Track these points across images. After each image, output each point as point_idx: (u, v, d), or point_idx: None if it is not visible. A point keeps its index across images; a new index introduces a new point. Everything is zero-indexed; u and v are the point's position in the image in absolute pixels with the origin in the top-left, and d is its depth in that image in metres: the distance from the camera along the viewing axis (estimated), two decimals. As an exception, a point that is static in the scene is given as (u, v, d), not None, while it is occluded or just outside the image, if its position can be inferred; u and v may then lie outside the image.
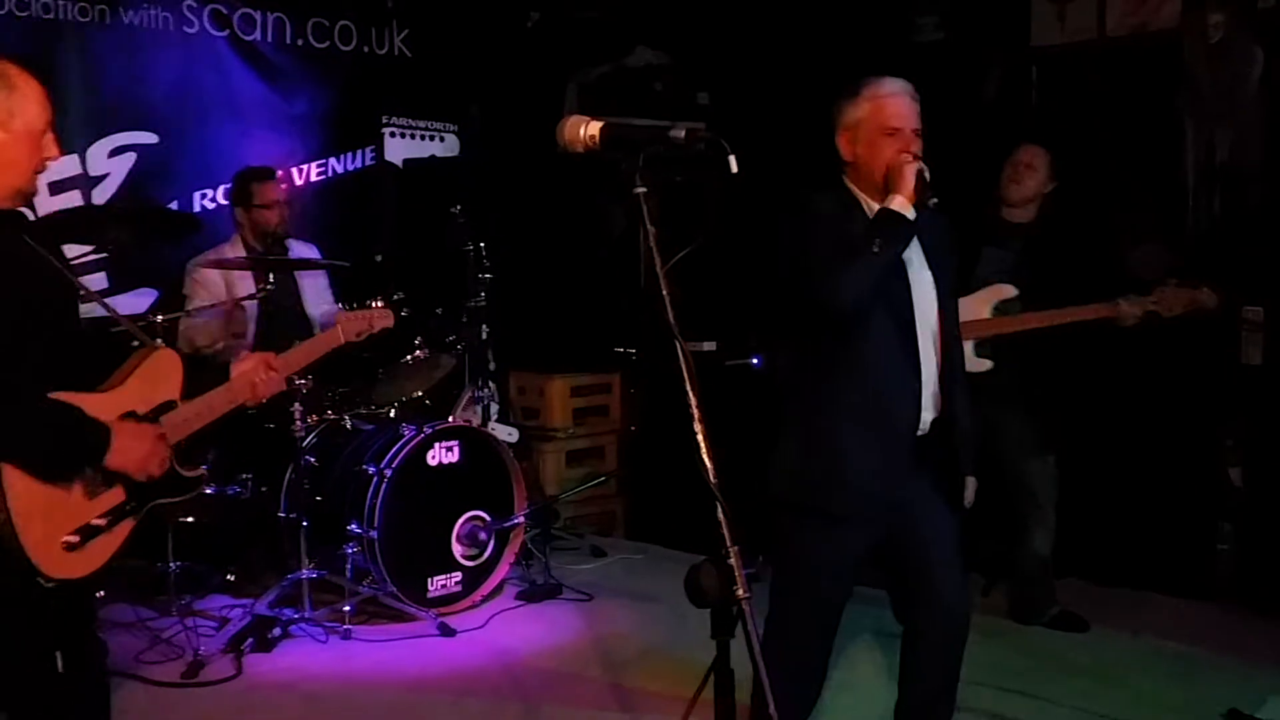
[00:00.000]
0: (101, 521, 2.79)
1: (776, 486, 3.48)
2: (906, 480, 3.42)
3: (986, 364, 4.87)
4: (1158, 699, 4.51)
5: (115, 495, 2.83)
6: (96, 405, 2.77)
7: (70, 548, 2.72)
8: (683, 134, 2.69)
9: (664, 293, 2.38)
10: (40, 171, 2.81)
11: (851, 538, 3.43)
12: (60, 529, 2.70)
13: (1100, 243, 5.18)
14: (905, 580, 3.56)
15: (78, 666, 2.84)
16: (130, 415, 2.86)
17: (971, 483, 3.56)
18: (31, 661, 2.74)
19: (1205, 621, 5.33)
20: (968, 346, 4.58)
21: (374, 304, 4.43)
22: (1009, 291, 4.94)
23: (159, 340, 3.26)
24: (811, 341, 3.45)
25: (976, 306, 4.89)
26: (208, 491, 5.32)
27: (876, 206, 3.37)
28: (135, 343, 3.12)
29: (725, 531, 2.26)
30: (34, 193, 2.86)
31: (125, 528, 2.87)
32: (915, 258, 3.42)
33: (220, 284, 5.71)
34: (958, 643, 3.54)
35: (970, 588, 3.63)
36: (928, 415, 3.41)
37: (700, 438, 2.31)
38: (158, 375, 2.99)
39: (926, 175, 3.28)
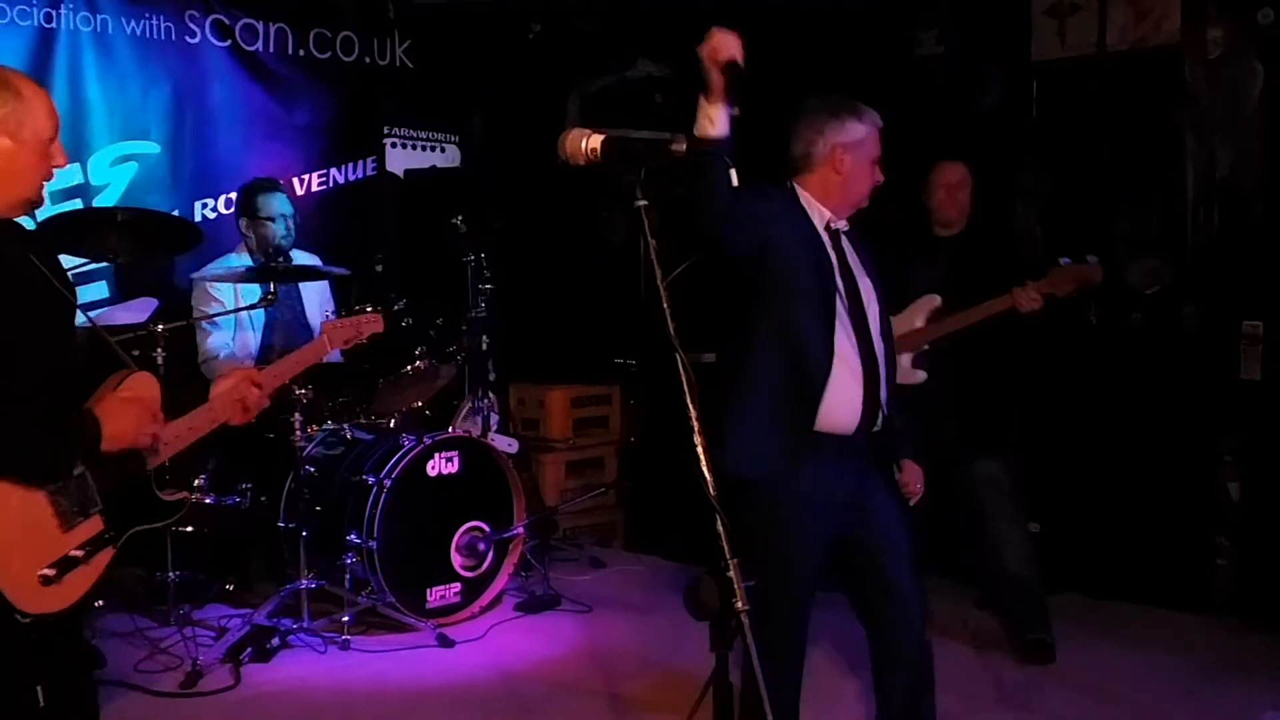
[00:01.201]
0: (79, 553, 2.73)
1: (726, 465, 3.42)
2: (852, 482, 3.52)
3: (921, 375, 4.89)
4: (1156, 714, 4.51)
5: (93, 525, 2.77)
6: None
7: (47, 581, 2.66)
8: (684, 147, 2.70)
9: (665, 305, 2.39)
10: (48, 180, 2.80)
11: (797, 515, 3.45)
12: (37, 562, 2.65)
13: (1013, 243, 5.17)
14: (864, 588, 3.63)
15: (62, 700, 2.78)
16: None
17: (916, 468, 3.72)
18: (11, 698, 2.69)
19: (1204, 636, 5.32)
20: (905, 359, 4.76)
21: (361, 309, 4.35)
22: (937, 302, 4.96)
23: (134, 358, 3.14)
24: (742, 328, 3.55)
25: (910, 320, 4.94)
26: (207, 501, 5.33)
27: (827, 217, 3.55)
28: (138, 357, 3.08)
29: (725, 544, 2.27)
30: (41, 202, 2.85)
31: (104, 558, 2.81)
32: (856, 265, 3.58)
33: (230, 294, 5.73)
34: (919, 638, 3.60)
35: (933, 591, 3.68)
36: (884, 413, 3.55)
37: (701, 449, 2.32)
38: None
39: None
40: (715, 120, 3.13)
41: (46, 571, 2.66)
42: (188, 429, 3.02)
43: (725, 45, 3.04)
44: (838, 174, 3.54)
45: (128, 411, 2.77)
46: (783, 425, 3.46)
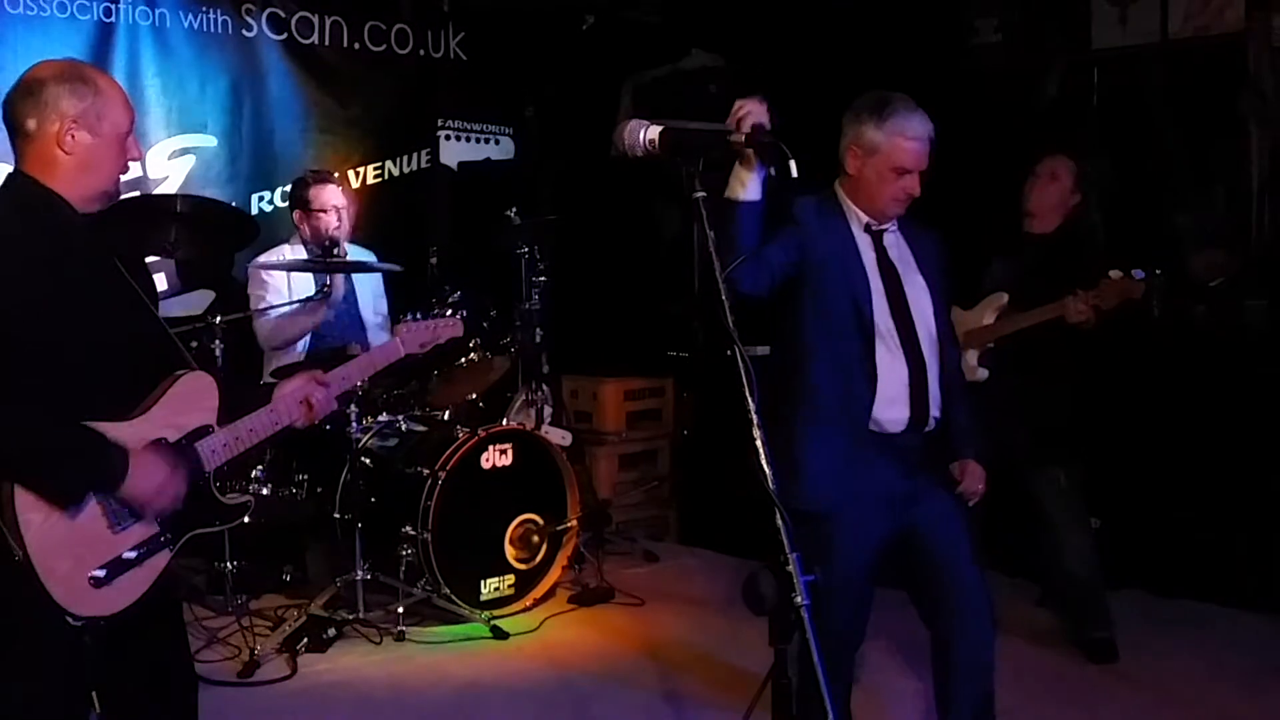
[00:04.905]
0: (132, 554, 2.66)
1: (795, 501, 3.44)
2: (904, 480, 3.47)
3: (983, 373, 4.82)
4: (1220, 713, 4.44)
5: (147, 527, 2.70)
6: (119, 434, 2.63)
7: (97, 583, 2.59)
8: (743, 138, 2.69)
9: (723, 296, 2.37)
10: (124, 173, 2.79)
11: (838, 535, 3.38)
12: (87, 564, 2.58)
13: (1091, 250, 5.05)
14: (925, 586, 3.58)
15: (124, 707, 2.75)
16: (157, 443, 2.71)
17: (978, 469, 3.61)
18: (61, 703, 2.62)
19: (1268, 634, 5.23)
20: (970, 356, 4.73)
21: (439, 312, 4.22)
22: (1004, 299, 4.87)
23: (191, 350, 3.01)
24: (781, 345, 3.53)
25: (980, 316, 4.88)
26: (264, 492, 5.36)
27: (865, 219, 3.49)
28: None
29: (784, 537, 2.25)
30: (118, 195, 2.84)
31: (160, 561, 2.73)
32: (903, 263, 3.52)
33: (284, 284, 5.75)
34: (985, 645, 3.54)
35: (993, 588, 3.60)
36: (935, 414, 3.49)
37: (759, 442, 2.30)
38: (189, 400, 2.81)
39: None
40: (747, 184, 3.14)
41: (96, 573, 2.60)
42: (248, 431, 2.93)
43: (752, 114, 2.95)
44: (855, 176, 3.48)
45: (158, 472, 2.66)
46: (835, 434, 3.42)
